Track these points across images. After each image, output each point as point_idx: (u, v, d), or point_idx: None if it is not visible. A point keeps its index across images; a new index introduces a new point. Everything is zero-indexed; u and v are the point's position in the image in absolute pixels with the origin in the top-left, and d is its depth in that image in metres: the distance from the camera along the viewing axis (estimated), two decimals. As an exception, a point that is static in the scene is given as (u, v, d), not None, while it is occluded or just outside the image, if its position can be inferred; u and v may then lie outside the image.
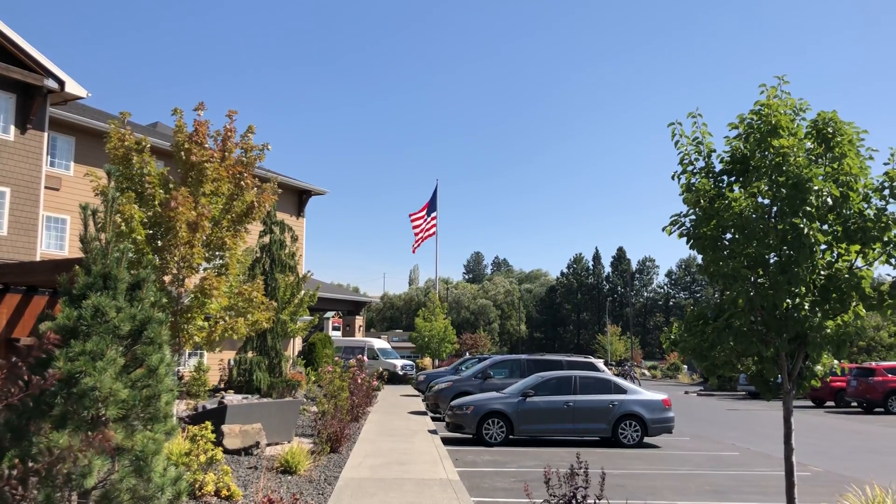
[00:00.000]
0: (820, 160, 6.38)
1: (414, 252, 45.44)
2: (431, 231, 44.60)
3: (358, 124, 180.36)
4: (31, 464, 4.12)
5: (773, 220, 6.45)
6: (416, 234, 44.03)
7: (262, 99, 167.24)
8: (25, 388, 3.57)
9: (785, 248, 6.24)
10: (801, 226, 6.08)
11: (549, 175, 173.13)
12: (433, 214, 44.89)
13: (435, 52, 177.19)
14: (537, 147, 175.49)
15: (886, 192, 6.27)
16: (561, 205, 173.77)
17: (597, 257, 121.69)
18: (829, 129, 6.34)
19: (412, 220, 44.09)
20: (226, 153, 12.21)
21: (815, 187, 6.09)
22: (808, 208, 6.15)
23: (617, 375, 25.19)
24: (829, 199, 6.22)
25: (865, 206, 6.33)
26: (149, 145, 12.06)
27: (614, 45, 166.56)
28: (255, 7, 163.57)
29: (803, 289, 6.28)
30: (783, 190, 6.24)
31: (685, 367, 62.73)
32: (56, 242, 22.07)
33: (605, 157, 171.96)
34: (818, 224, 6.26)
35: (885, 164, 6.31)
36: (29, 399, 3.87)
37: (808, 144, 6.46)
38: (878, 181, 6.35)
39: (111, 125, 11.96)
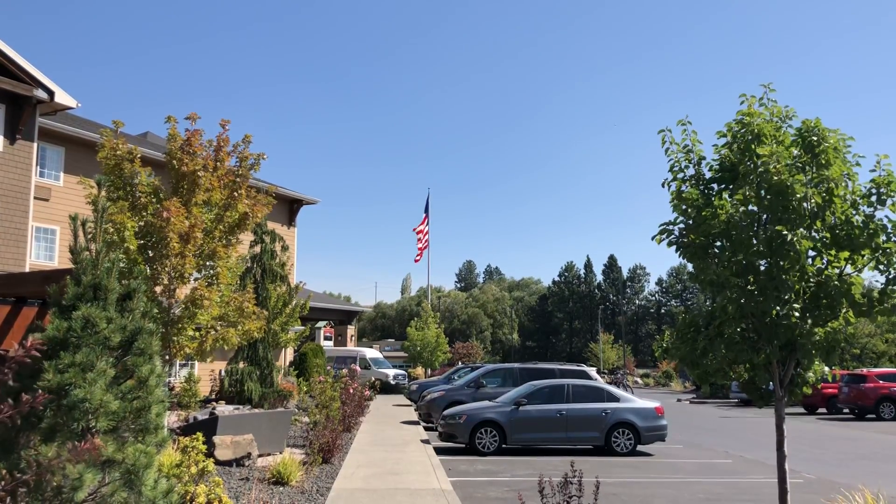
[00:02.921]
0: (807, 167, 6.42)
1: (417, 262, 46.14)
2: (426, 240, 45.15)
3: (350, 134, 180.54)
4: (20, 476, 4.08)
5: (762, 227, 6.48)
6: (420, 246, 44.81)
7: (253, 108, 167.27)
8: (14, 401, 3.53)
9: (772, 255, 6.27)
10: (786, 233, 6.10)
11: (541, 185, 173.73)
12: (426, 223, 45.40)
13: (429, 66, 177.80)
14: (530, 158, 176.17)
15: (874, 198, 6.32)
16: (553, 214, 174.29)
17: (588, 265, 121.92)
18: (814, 137, 6.38)
19: (417, 233, 44.88)
20: (219, 163, 12.17)
21: (798, 194, 6.12)
22: (792, 215, 6.18)
23: (609, 384, 25.19)
24: (814, 207, 6.26)
25: (854, 212, 6.37)
26: (140, 155, 12.01)
27: (606, 58, 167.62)
28: (248, 18, 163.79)
29: (792, 296, 6.30)
30: (768, 197, 6.28)
31: (677, 374, 62.79)
32: (45, 253, 21.95)
33: (597, 168, 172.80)
34: (804, 231, 6.29)
35: (872, 171, 6.36)
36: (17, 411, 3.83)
37: (795, 152, 6.50)
38: (865, 188, 6.39)
39: (103, 135, 11.91)
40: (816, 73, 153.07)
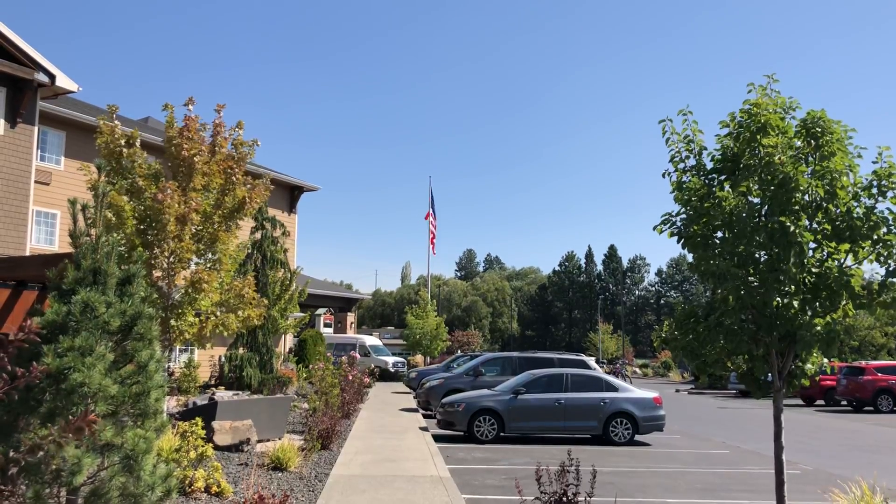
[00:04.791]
0: (810, 158, 6.39)
1: (434, 253, 46.07)
2: (433, 231, 45.24)
3: (351, 121, 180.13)
4: (16, 456, 4.09)
5: (762, 218, 6.46)
6: (432, 236, 44.81)
7: (254, 94, 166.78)
8: (11, 381, 3.53)
9: (773, 246, 6.25)
10: (788, 224, 6.09)
11: (542, 174, 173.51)
12: (429, 212, 45.37)
13: (430, 51, 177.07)
14: (531, 147, 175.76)
15: (875, 190, 6.29)
16: (554, 204, 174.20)
17: (589, 255, 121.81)
18: (818, 128, 6.33)
19: (430, 223, 44.85)
20: (216, 148, 12.17)
21: (802, 186, 6.10)
22: (795, 207, 6.16)
23: (608, 373, 25.24)
24: (817, 198, 6.24)
25: (855, 204, 6.34)
26: (139, 139, 12.00)
27: (609, 46, 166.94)
28: (248, 1, 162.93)
29: (793, 287, 6.29)
30: (771, 188, 6.25)
31: (676, 365, 62.91)
32: (46, 237, 21.95)
33: (598, 157, 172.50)
34: (806, 223, 6.27)
35: (874, 162, 6.33)
36: (16, 394, 3.83)
37: (798, 143, 6.47)
38: (866, 180, 6.36)
39: (101, 119, 11.91)
40: (817, 69, 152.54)
